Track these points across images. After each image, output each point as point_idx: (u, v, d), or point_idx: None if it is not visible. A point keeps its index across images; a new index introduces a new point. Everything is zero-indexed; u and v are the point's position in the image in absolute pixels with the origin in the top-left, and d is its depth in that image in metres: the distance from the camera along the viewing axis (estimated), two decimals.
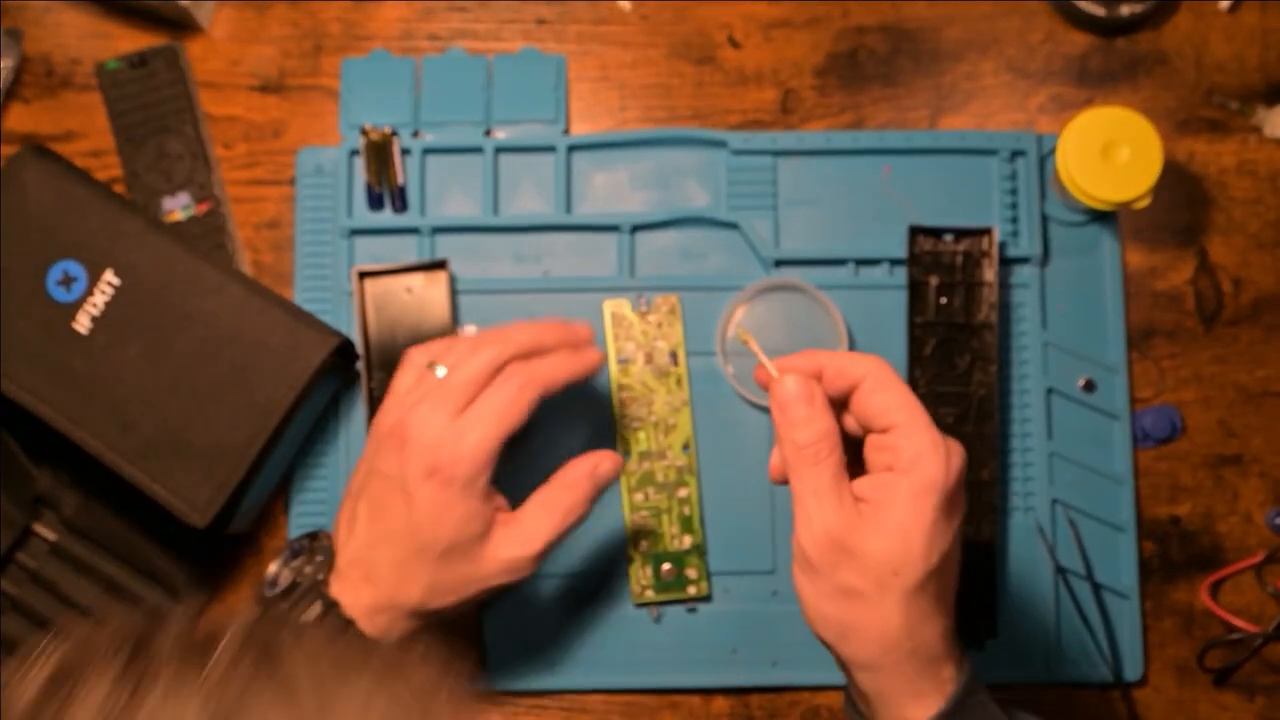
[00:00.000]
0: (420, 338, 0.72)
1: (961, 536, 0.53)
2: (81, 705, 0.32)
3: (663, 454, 0.71)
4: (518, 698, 0.72)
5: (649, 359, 0.72)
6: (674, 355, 0.72)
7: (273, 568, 0.62)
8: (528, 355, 0.60)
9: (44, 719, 0.31)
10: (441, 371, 0.59)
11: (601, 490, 0.62)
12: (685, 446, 0.72)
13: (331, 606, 0.57)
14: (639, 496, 0.71)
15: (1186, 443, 0.74)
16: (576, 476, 0.61)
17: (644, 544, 0.71)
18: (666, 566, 0.70)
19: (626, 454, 0.71)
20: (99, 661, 0.33)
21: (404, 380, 0.61)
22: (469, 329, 0.73)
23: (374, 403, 0.71)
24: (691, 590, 0.71)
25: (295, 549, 0.62)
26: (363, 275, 0.72)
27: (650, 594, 0.70)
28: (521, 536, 0.59)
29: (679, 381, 0.72)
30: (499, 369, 0.59)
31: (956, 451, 0.52)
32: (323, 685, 0.33)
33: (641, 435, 0.72)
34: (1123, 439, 0.73)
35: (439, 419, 0.58)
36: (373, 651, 0.39)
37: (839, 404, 0.55)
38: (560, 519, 0.60)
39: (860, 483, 0.53)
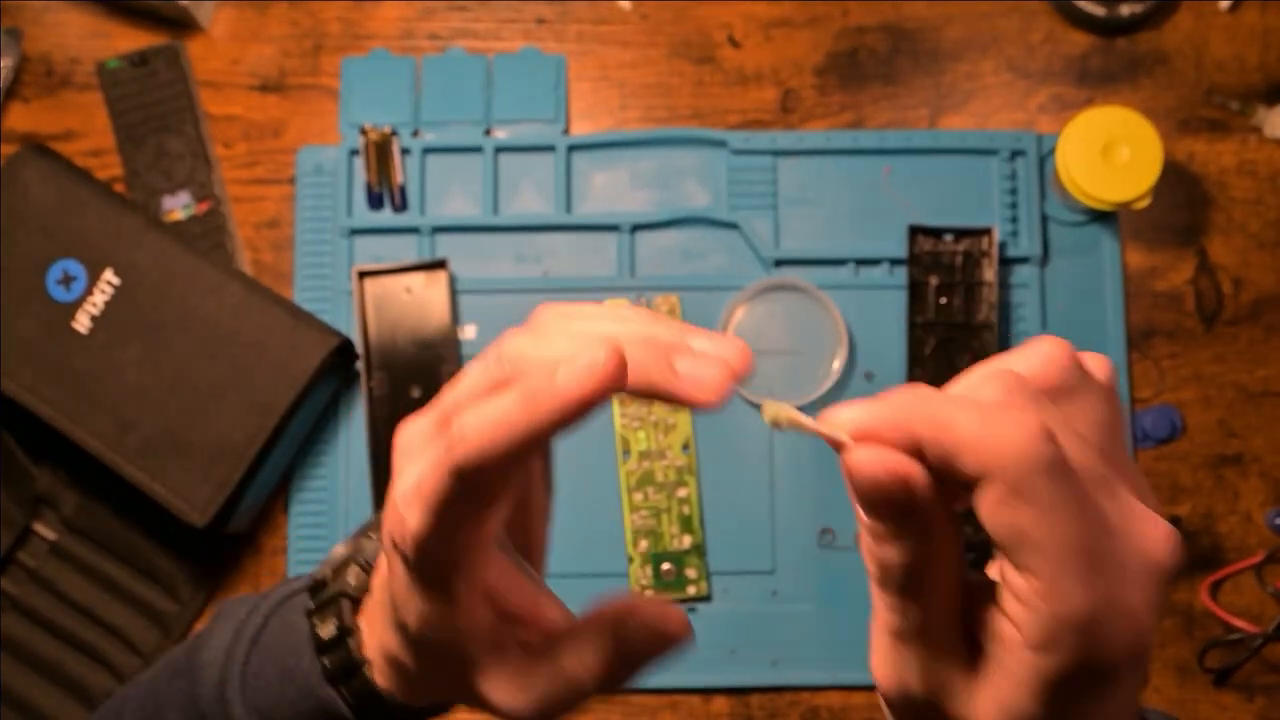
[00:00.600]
0: (420, 337, 0.72)
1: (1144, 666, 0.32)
2: None
3: (662, 454, 0.71)
4: None
5: None
6: None
7: (338, 548, 0.42)
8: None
9: None
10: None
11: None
12: (685, 446, 0.72)
13: (346, 633, 0.41)
14: (638, 496, 0.71)
15: (1186, 443, 0.74)
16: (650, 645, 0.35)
17: (644, 544, 0.71)
18: (666, 566, 0.70)
19: (627, 453, 0.71)
20: None
21: (468, 374, 0.35)
22: (468, 330, 0.73)
23: (373, 402, 0.72)
24: (691, 590, 0.71)
25: (365, 524, 0.44)
26: (362, 275, 0.72)
27: (650, 594, 0.70)
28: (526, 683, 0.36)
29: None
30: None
31: (1138, 601, 0.29)
32: None
33: (641, 435, 0.71)
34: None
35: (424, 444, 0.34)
36: None
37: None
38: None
39: (992, 620, 0.32)
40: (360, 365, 0.72)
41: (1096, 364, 0.32)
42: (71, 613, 0.70)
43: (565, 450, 0.72)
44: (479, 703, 0.37)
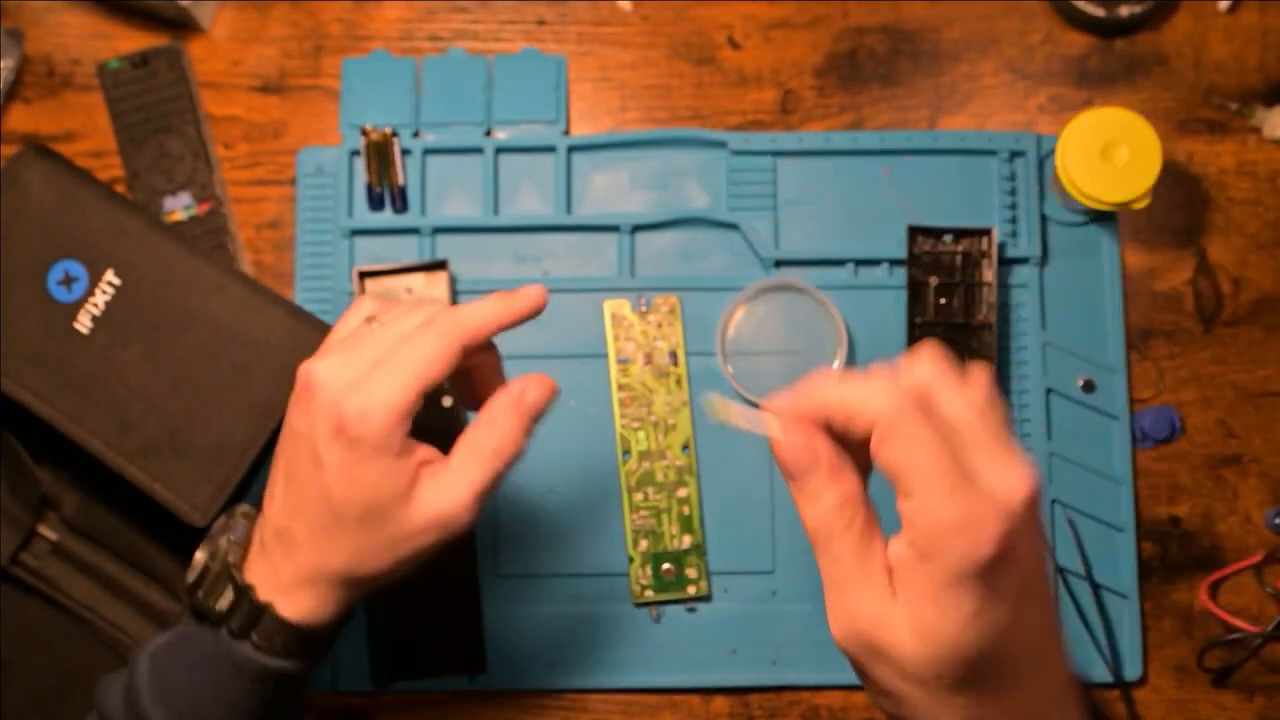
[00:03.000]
0: None
1: (1038, 584, 0.43)
2: None
3: (662, 454, 0.71)
4: (518, 697, 0.72)
5: (649, 359, 0.72)
6: (674, 355, 0.72)
7: (198, 554, 0.55)
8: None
9: None
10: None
11: (535, 421, 0.53)
12: (685, 446, 0.72)
13: (244, 591, 0.52)
14: (639, 496, 0.71)
15: (1186, 443, 0.74)
16: (501, 410, 0.52)
17: (644, 544, 0.70)
18: (666, 566, 0.70)
19: (627, 453, 0.71)
20: None
21: (341, 327, 0.54)
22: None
23: None
24: (691, 590, 0.71)
25: (215, 528, 0.56)
26: (363, 275, 0.72)
27: (650, 594, 0.70)
28: (449, 488, 0.51)
29: (679, 382, 0.72)
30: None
31: (995, 513, 0.40)
32: None
33: (641, 435, 0.71)
34: (1122, 439, 0.73)
35: (349, 373, 0.50)
36: None
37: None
38: (490, 462, 0.51)
39: (894, 547, 0.43)
40: None
41: (974, 368, 0.44)
42: (71, 612, 0.70)
43: (566, 451, 0.72)
44: (420, 528, 0.51)
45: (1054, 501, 0.72)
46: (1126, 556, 0.72)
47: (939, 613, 0.40)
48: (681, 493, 0.71)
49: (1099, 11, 0.76)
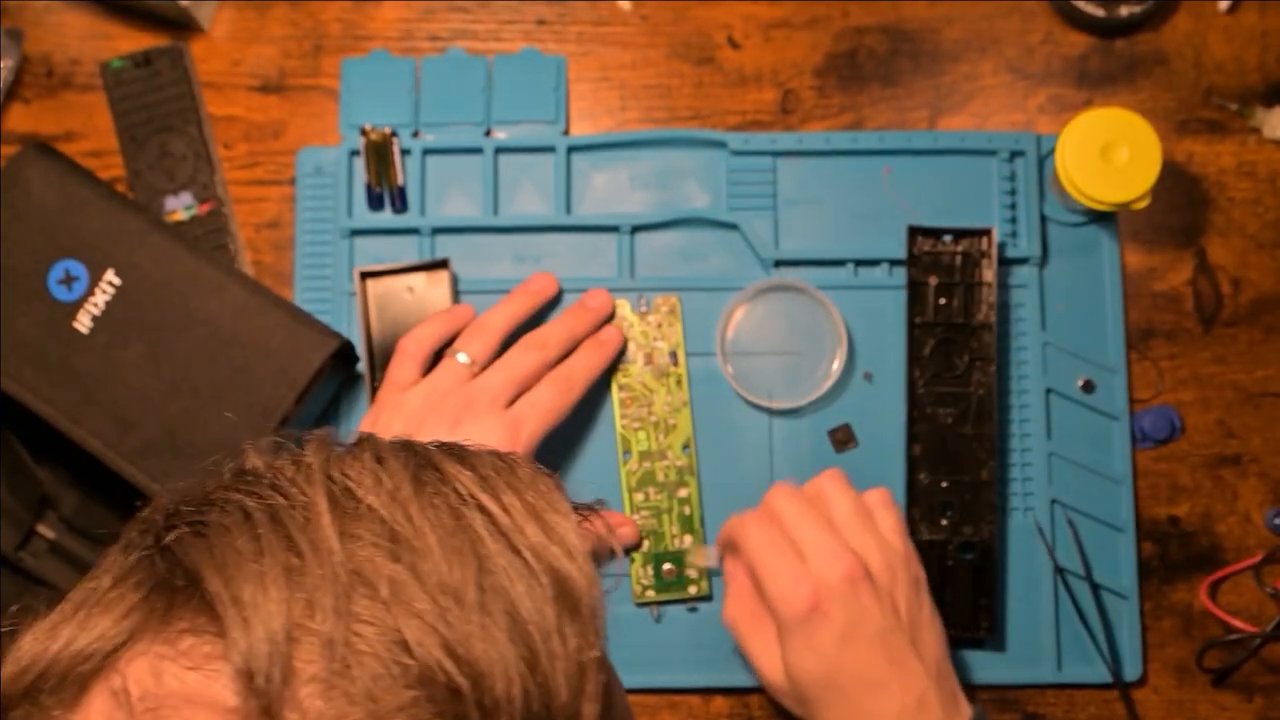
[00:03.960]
0: None
1: (863, 633, 0.60)
2: (310, 441, 0.38)
3: (663, 454, 0.71)
4: None
5: (649, 359, 0.72)
6: (674, 355, 0.72)
7: None
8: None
9: (286, 449, 0.38)
10: (464, 358, 0.67)
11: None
12: (685, 446, 0.72)
13: None
14: (639, 496, 0.71)
15: (1185, 443, 0.74)
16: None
17: (645, 543, 0.71)
18: (667, 566, 0.70)
19: (627, 453, 0.71)
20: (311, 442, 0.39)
21: (442, 379, 0.68)
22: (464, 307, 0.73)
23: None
24: (692, 590, 0.71)
25: None
26: (365, 276, 0.72)
27: (651, 594, 0.71)
28: None
29: (679, 382, 0.72)
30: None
31: (810, 586, 0.60)
32: (473, 455, 0.38)
33: (641, 435, 0.71)
34: (1122, 439, 0.73)
35: (494, 417, 0.67)
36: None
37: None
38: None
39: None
40: (363, 366, 0.72)
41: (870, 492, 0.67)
42: None
43: (568, 451, 0.72)
44: None
45: (1054, 502, 0.72)
46: (1126, 557, 0.72)
47: (786, 649, 0.61)
48: (682, 493, 0.71)
49: (1099, 12, 0.76)
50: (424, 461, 0.37)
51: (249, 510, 0.35)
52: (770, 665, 0.63)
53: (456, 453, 0.38)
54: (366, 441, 0.38)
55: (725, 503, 0.72)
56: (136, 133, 0.76)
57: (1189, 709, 0.72)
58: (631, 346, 0.72)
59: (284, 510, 0.34)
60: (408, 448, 0.38)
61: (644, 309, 0.73)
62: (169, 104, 0.76)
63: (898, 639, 0.60)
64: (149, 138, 0.76)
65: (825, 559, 0.61)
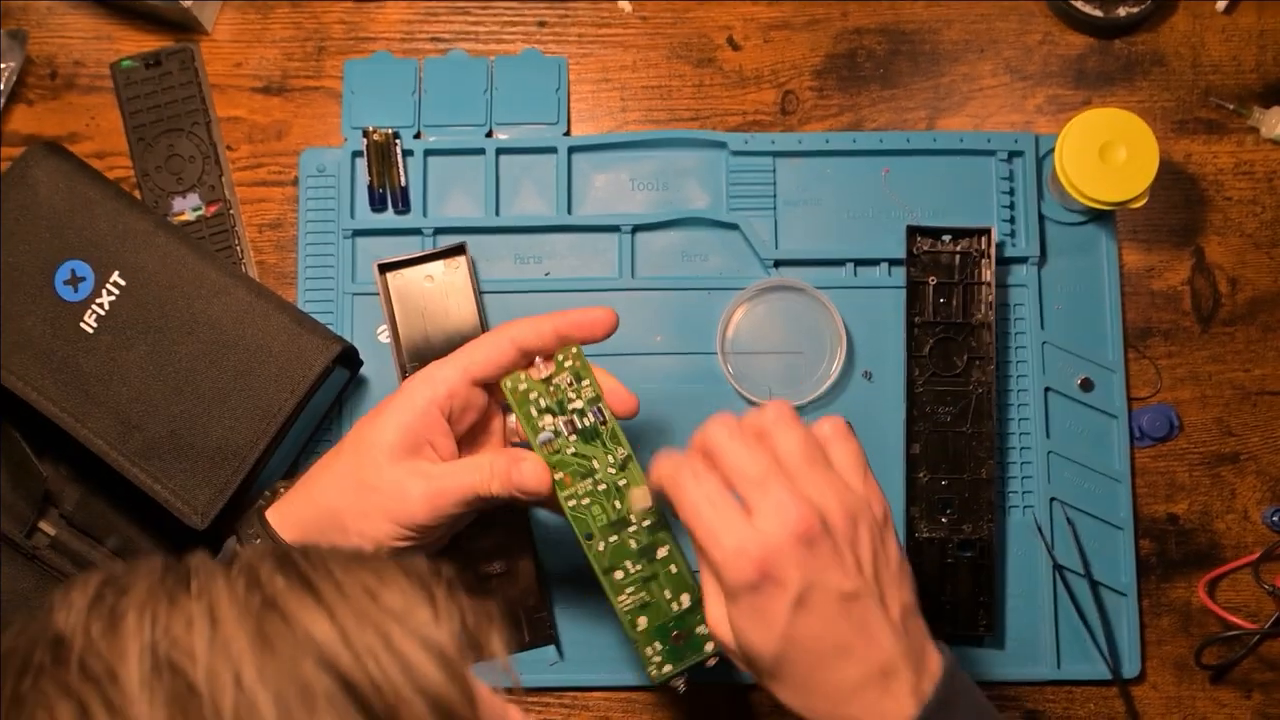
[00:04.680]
0: (448, 323, 0.73)
1: (818, 598, 0.52)
2: (128, 605, 0.35)
3: (625, 522, 0.60)
4: (518, 695, 0.72)
5: (572, 426, 0.60)
6: (599, 410, 0.60)
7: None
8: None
9: (96, 620, 0.34)
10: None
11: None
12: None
13: (263, 522, 0.61)
14: (618, 575, 0.60)
15: (1184, 441, 0.75)
16: (500, 459, 0.60)
17: (643, 621, 0.60)
18: (675, 634, 0.61)
19: (588, 535, 0.60)
20: (139, 576, 0.36)
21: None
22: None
23: None
24: (709, 646, 0.61)
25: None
26: (383, 269, 0.73)
27: (669, 668, 0.61)
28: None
29: (614, 436, 0.60)
30: None
31: (756, 547, 0.51)
32: (334, 577, 0.37)
33: (595, 510, 0.60)
34: (1120, 438, 0.74)
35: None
36: (373, 554, 0.40)
37: None
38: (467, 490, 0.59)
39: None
40: (393, 358, 0.72)
41: (774, 409, 0.55)
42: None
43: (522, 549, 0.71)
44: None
45: (1053, 500, 0.73)
46: (1125, 554, 0.73)
47: (734, 618, 0.53)
48: (661, 553, 0.60)
49: (1097, 12, 0.76)
50: (270, 605, 0.35)
51: (55, 714, 0.32)
52: (717, 620, 0.55)
53: (313, 586, 0.36)
54: (200, 593, 0.35)
55: None
56: (145, 133, 0.76)
57: (1187, 705, 0.73)
58: (548, 419, 0.60)
59: (95, 708, 0.32)
60: (252, 591, 0.35)
61: (544, 372, 0.60)
62: (178, 105, 0.76)
63: (861, 602, 0.52)
64: (157, 138, 0.76)
65: (774, 515, 0.51)
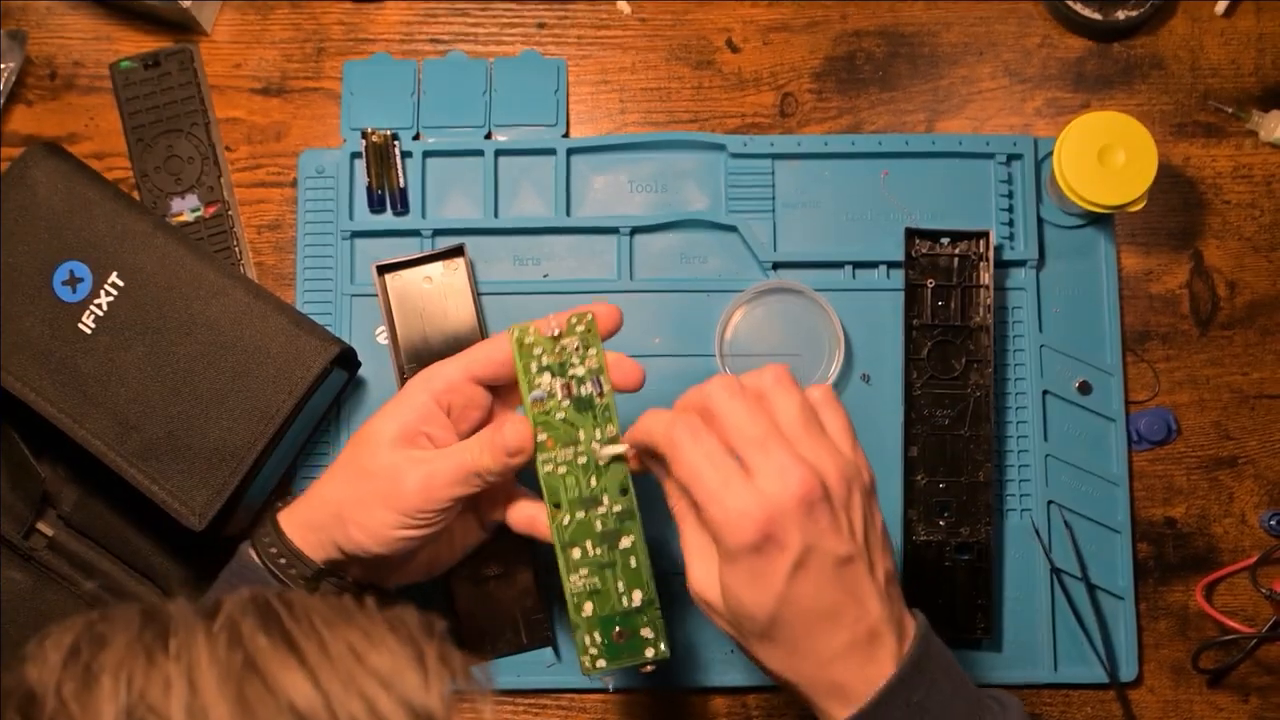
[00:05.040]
0: (446, 324, 0.73)
1: (817, 562, 0.52)
2: (104, 664, 0.33)
3: (597, 500, 0.58)
4: (517, 696, 0.72)
5: (568, 390, 0.58)
6: (598, 382, 0.59)
7: None
8: None
9: (69, 680, 0.33)
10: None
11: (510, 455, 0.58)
12: (623, 489, 0.59)
13: (279, 533, 0.61)
14: (575, 553, 0.58)
15: (1181, 445, 0.75)
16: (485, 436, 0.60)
17: (589, 607, 0.58)
18: (617, 630, 0.58)
19: (556, 504, 0.58)
20: (116, 630, 0.35)
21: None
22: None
23: None
24: (649, 652, 0.59)
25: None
26: (381, 270, 0.73)
27: (602, 662, 0.58)
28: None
29: (607, 412, 0.58)
30: None
31: (759, 507, 0.51)
32: (319, 636, 0.35)
33: (570, 480, 0.58)
34: (1118, 441, 0.74)
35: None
36: (360, 608, 0.39)
37: None
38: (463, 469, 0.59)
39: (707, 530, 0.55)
40: (391, 359, 0.72)
41: (772, 372, 0.55)
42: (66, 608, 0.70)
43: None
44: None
45: (1050, 503, 0.73)
46: (1122, 558, 0.73)
47: (728, 579, 0.53)
48: (625, 543, 0.58)
49: (1096, 15, 0.76)
50: (251, 666, 0.34)
51: None
52: (702, 579, 0.54)
53: (296, 646, 0.35)
54: (179, 653, 0.34)
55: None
56: (144, 134, 0.76)
57: (1185, 709, 0.73)
58: (546, 378, 0.59)
59: None
60: (234, 650, 0.34)
61: (555, 331, 0.59)
62: (177, 106, 0.76)
63: (853, 566, 0.52)
64: (156, 139, 0.76)
65: (777, 476, 0.51)
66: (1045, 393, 0.74)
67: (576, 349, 0.59)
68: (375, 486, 0.59)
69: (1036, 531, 0.72)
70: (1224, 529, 0.74)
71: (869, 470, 0.55)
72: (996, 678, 0.72)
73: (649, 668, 0.59)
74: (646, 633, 0.58)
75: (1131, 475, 0.74)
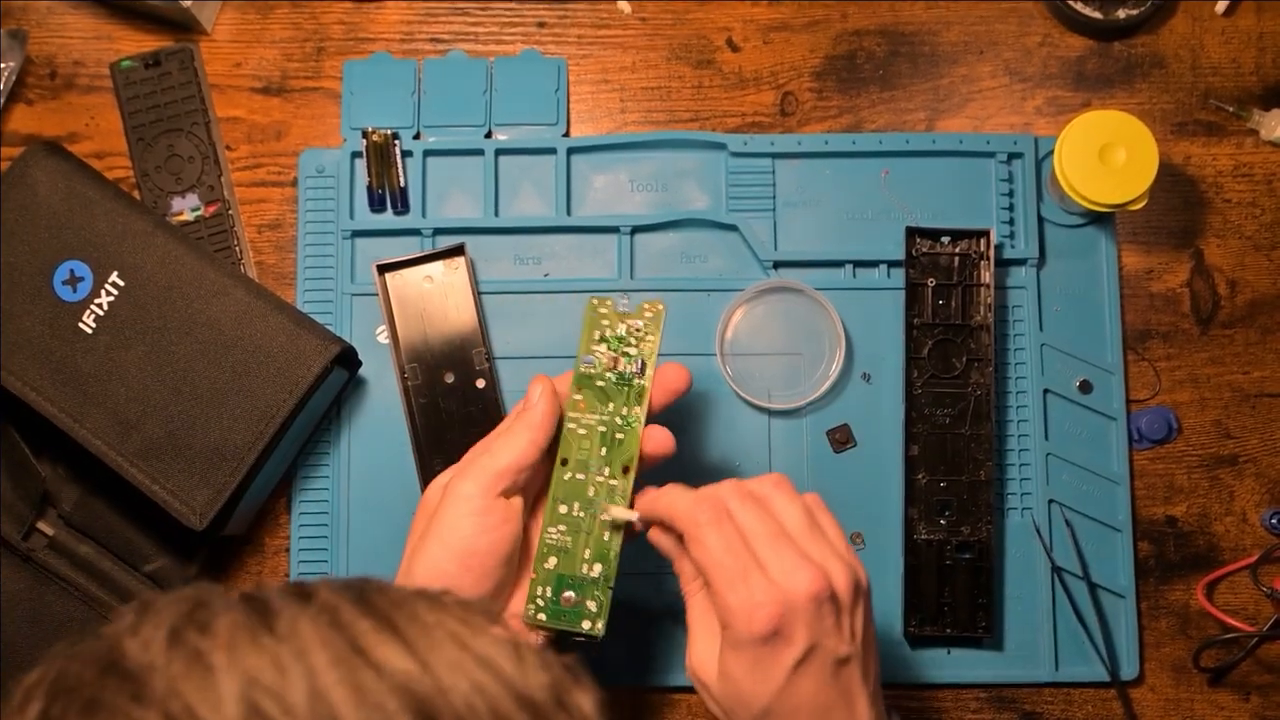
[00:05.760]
0: (447, 324, 0.73)
1: (820, 661, 0.53)
2: (214, 646, 0.33)
3: (599, 469, 0.61)
4: None
5: (615, 363, 0.62)
6: (642, 365, 0.62)
7: None
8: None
9: (178, 658, 0.33)
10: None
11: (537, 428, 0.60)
12: (625, 469, 0.61)
13: None
14: (562, 509, 0.61)
15: (1182, 443, 0.75)
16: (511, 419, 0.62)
17: (554, 561, 0.60)
18: (568, 594, 0.60)
19: (565, 459, 0.61)
20: (218, 612, 0.34)
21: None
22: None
23: (409, 394, 0.72)
24: (585, 625, 0.60)
25: None
26: (382, 270, 0.73)
27: (542, 617, 0.60)
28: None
29: (640, 396, 0.61)
30: None
31: (773, 601, 0.52)
32: (421, 620, 0.35)
33: (584, 443, 0.61)
34: (1119, 440, 0.74)
35: None
36: (455, 598, 0.38)
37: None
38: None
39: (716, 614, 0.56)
40: (392, 359, 0.72)
41: (773, 480, 0.58)
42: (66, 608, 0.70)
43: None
44: None
45: (1051, 502, 0.73)
46: (1123, 556, 0.73)
47: (730, 665, 0.54)
48: (606, 516, 0.61)
49: (1096, 14, 0.76)
50: (358, 649, 0.34)
51: None
52: (702, 658, 0.57)
53: (398, 629, 0.35)
54: (288, 636, 0.34)
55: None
56: (145, 133, 0.76)
57: (1186, 708, 0.73)
58: (603, 347, 0.62)
59: None
60: (338, 633, 0.34)
61: (626, 307, 0.63)
62: (178, 105, 0.76)
63: (850, 668, 0.54)
64: (157, 138, 0.76)
65: (791, 573, 0.53)
66: (1046, 391, 0.74)
67: (637, 331, 0.63)
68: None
69: (1037, 530, 0.72)
70: (1225, 527, 0.74)
71: (865, 574, 0.57)
72: (998, 677, 0.72)
73: (580, 639, 0.60)
74: (592, 606, 0.60)
75: (1132, 474, 0.74)
